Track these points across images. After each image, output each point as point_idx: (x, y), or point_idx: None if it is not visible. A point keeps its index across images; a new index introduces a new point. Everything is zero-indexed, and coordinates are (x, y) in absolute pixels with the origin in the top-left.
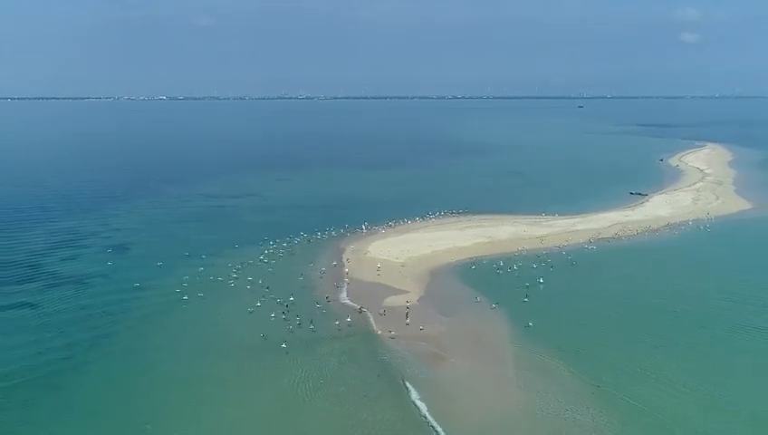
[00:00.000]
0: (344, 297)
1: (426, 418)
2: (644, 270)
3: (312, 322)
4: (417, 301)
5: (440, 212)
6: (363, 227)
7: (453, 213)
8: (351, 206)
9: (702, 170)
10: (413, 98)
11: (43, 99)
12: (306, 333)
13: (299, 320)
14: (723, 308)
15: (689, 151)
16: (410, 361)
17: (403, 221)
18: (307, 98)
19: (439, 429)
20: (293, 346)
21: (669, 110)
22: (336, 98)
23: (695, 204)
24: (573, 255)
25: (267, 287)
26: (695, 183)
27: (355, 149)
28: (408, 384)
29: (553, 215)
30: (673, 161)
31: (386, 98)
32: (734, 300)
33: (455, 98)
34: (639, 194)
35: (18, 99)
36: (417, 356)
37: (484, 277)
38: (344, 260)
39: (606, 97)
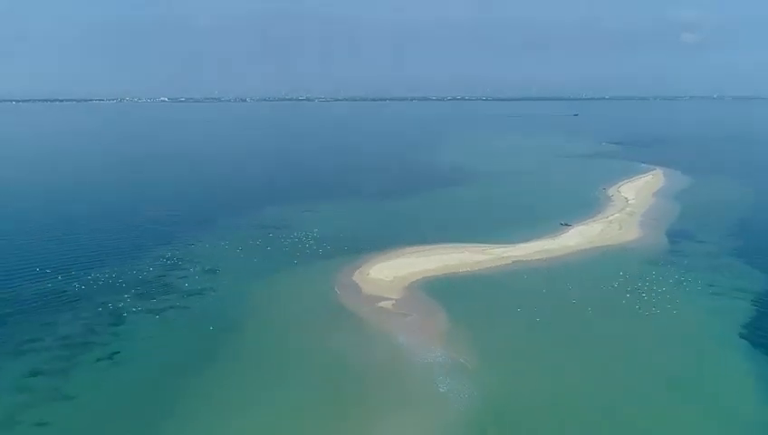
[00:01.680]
0: (359, 299)
1: (385, 334)
2: (536, 285)
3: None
4: (397, 301)
5: (412, 243)
6: (364, 255)
7: (421, 244)
8: (358, 238)
9: (627, 200)
10: (412, 99)
11: (46, 101)
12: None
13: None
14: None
15: (631, 179)
16: (392, 319)
17: (390, 250)
18: (307, 99)
19: (396, 342)
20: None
21: (660, 116)
22: (336, 99)
23: (599, 235)
24: (496, 274)
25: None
26: (613, 214)
27: (353, 179)
28: (381, 326)
29: (493, 244)
30: (611, 191)
31: (385, 99)
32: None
33: (454, 99)
34: (566, 224)
35: (22, 101)
36: (391, 313)
37: (438, 287)
38: (353, 278)
39: (604, 98)
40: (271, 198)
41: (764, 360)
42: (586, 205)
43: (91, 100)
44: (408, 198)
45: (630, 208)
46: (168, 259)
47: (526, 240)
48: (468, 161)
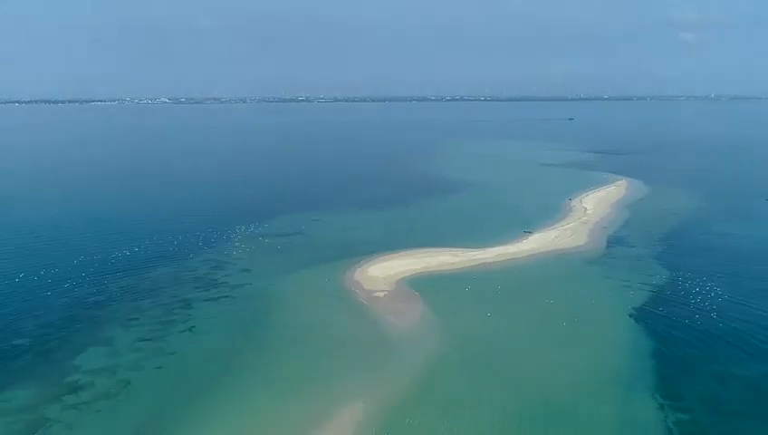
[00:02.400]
0: (360, 290)
1: (388, 313)
2: (486, 284)
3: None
4: (387, 294)
5: (401, 248)
6: (363, 257)
7: (408, 248)
8: (357, 244)
9: (585, 210)
10: (411, 100)
11: (48, 102)
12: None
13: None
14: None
15: (596, 189)
16: (382, 304)
17: (384, 254)
18: (306, 99)
19: (395, 317)
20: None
21: (652, 119)
22: (336, 100)
23: (553, 241)
24: (464, 272)
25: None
26: (570, 223)
27: (351, 188)
28: (376, 309)
29: (466, 248)
30: (575, 201)
31: (384, 100)
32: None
33: (453, 99)
34: (528, 232)
35: (25, 102)
36: (384, 301)
37: (419, 282)
38: (354, 277)
39: (603, 98)
40: (282, 209)
41: (642, 329)
42: (549, 214)
43: (92, 101)
44: (398, 208)
45: (586, 218)
46: (211, 261)
47: (492, 245)
48: (452, 174)
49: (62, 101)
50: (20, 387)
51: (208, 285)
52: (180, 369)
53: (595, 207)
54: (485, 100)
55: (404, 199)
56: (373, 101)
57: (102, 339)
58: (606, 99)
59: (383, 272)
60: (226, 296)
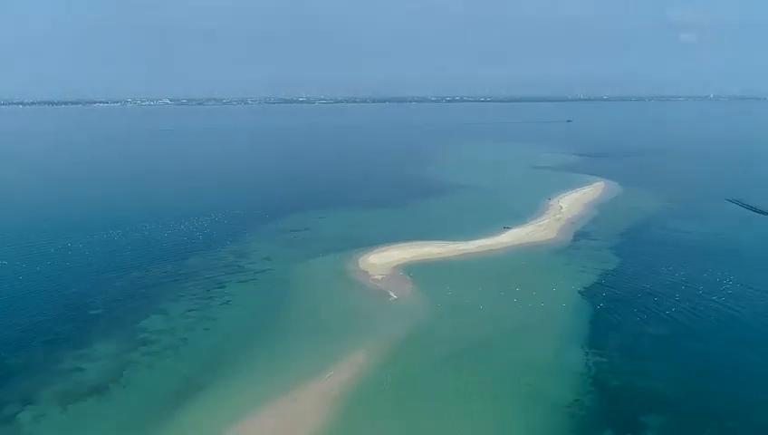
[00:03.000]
0: (362, 274)
1: (385, 291)
2: (467, 271)
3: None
4: (385, 277)
5: (396, 241)
6: (364, 248)
7: (402, 241)
8: (359, 237)
9: (561, 209)
10: (411, 101)
11: (51, 104)
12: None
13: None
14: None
15: (575, 190)
16: (380, 284)
17: (381, 245)
18: (307, 100)
19: (391, 293)
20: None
21: (648, 121)
22: (337, 101)
23: (527, 235)
24: (449, 260)
25: None
26: (545, 220)
27: (352, 190)
28: (375, 288)
29: (451, 241)
30: (553, 201)
31: (384, 101)
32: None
33: (453, 100)
34: (507, 228)
35: (27, 104)
36: (382, 282)
37: (410, 268)
38: (359, 264)
39: (602, 99)
40: (292, 208)
41: (585, 301)
42: (528, 212)
43: (94, 103)
44: (394, 207)
45: (560, 215)
46: (236, 251)
47: (474, 238)
48: (445, 176)
49: (65, 103)
50: (102, 343)
51: (236, 270)
52: (224, 329)
53: (570, 206)
54: (485, 100)
55: (399, 199)
56: (374, 102)
57: (158, 309)
58: (605, 99)
59: (381, 260)
60: (253, 279)
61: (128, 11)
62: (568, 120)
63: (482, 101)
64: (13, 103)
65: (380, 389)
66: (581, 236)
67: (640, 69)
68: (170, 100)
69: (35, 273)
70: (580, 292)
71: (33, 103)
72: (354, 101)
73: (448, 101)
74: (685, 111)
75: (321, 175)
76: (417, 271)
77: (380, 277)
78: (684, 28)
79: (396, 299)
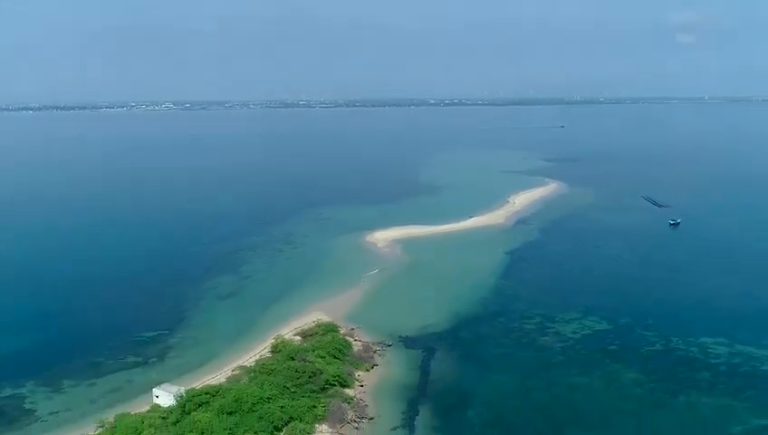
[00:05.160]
0: (370, 245)
1: (385, 252)
2: (443, 244)
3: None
4: (386, 245)
5: (393, 226)
6: (370, 230)
7: (397, 226)
8: (365, 223)
9: (515, 203)
10: (410, 105)
11: (60, 109)
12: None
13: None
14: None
15: (530, 190)
16: (382, 250)
17: (382, 229)
18: (307, 103)
19: (389, 253)
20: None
21: (629, 127)
22: (337, 105)
23: (484, 220)
24: (428, 237)
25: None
26: (500, 211)
27: (358, 190)
28: (379, 252)
29: (431, 225)
30: (511, 198)
31: (384, 105)
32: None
33: (453, 102)
34: (471, 216)
35: (37, 109)
36: (383, 248)
37: (403, 242)
38: (367, 239)
39: (599, 100)
40: (317, 203)
41: (509, 255)
42: (489, 206)
43: (101, 107)
44: (391, 202)
45: (511, 208)
46: (281, 231)
47: (446, 223)
48: (431, 179)
49: (72, 108)
50: (223, 276)
51: (285, 243)
52: (290, 269)
53: (521, 202)
54: (483, 104)
55: (394, 197)
56: (373, 105)
57: (249, 261)
58: (602, 101)
59: (382, 236)
60: (299, 247)
61: (128, 13)
62: (561, 126)
63: (479, 104)
64: (20, 109)
65: (387, 289)
66: (521, 222)
67: (636, 71)
68: (173, 104)
69: (172, 240)
70: (506, 252)
71: (41, 108)
72: (354, 105)
73: (447, 105)
74: (672, 113)
75: (337, 178)
76: (405, 243)
77: (382, 246)
78: (680, 30)
79: (392, 256)
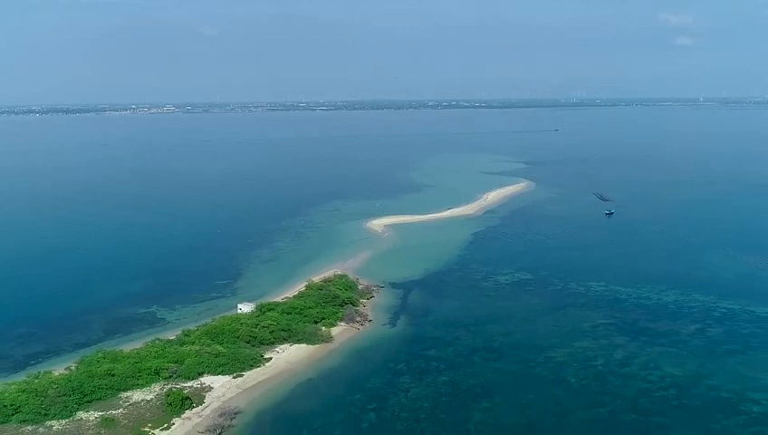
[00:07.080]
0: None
1: (381, 234)
2: (425, 231)
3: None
4: (381, 228)
5: (387, 214)
6: (368, 218)
7: (389, 215)
8: (365, 213)
9: (487, 198)
10: (408, 108)
11: (64, 111)
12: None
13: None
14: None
15: (501, 188)
16: (377, 233)
17: (379, 217)
18: (307, 106)
19: (383, 234)
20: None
21: (617, 130)
22: (337, 107)
23: (459, 212)
24: (414, 224)
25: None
26: (473, 205)
27: (356, 188)
28: (375, 234)
29: (417, 215)
30: (485, 194)
31: (382, 108)
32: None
33: (450, 105)
34: (450, 208)
35: (42, 112)
36: (379, 231)
37: (395, 227)
38: (366, 224)
39: (596, 102)
40: (326, 198)
41: (476, 236)
42: (465, 200)
43: (105, 110)
44: (386, 197)
45: (484, 202)
46: (300, 220)
47: (429, 214)
48: (419, 179)
49: (77, 111)
50: (259, 250)
51: (304, 228)
52: (308, 246)
53: (492, 197)
54: (480, 106)
55: (388, 193)
56: (372, 108)
57: (276, 240)
58: (598, 103)
59: (378, 222)
60: (315, 230)
61: (129, 16)
62: (555, 130)
63: (476, 106)
64: (25, 112)
65: (381, 256)
66: (489, 212)
67: (632, 72)
68: (175, 106)
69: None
70: (473, 233)
71: (46, 112)
72: (353, 108)
73: (445, 106)
74: (661, 117)
75: (341, 179)
76: (396, 227)
77: (378, 229)
78: (677, 32)
79: (386, 236)
